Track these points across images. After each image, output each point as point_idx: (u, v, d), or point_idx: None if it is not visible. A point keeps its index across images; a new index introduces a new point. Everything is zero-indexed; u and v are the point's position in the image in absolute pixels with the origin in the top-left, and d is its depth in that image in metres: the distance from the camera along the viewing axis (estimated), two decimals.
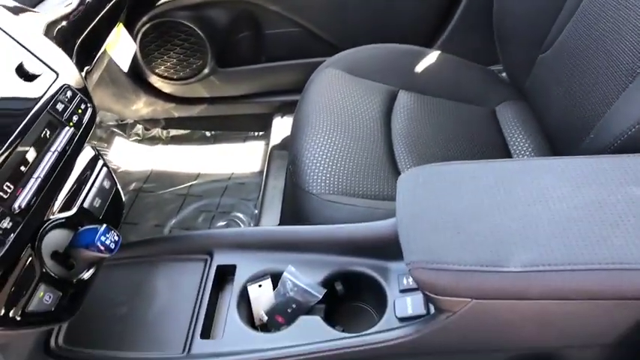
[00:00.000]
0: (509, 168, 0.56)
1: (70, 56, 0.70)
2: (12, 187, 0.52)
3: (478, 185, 0.54)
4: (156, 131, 1.61)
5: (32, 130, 0.56)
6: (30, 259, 0.57)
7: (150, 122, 1.60)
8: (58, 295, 0.59)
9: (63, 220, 0.62)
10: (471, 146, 0.98)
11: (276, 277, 0.75)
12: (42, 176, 0.55)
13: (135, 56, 1.35)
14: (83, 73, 0.72)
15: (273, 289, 0.74)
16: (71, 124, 0.62)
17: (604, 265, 0.45)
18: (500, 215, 0.51)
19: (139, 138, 1.61)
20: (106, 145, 1.58)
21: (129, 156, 1.56)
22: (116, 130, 1.61)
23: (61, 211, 0.63)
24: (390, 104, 1.06)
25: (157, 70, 1.40)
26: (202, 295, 0.74)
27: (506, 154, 0.98)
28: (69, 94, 0.63)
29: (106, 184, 0.70)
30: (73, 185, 0.65)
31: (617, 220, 0.48)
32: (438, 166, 0.59)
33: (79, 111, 0.64)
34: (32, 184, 0.54)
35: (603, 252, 0.46)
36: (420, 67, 1.14)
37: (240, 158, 1.48)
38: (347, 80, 1.08)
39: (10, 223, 0.51)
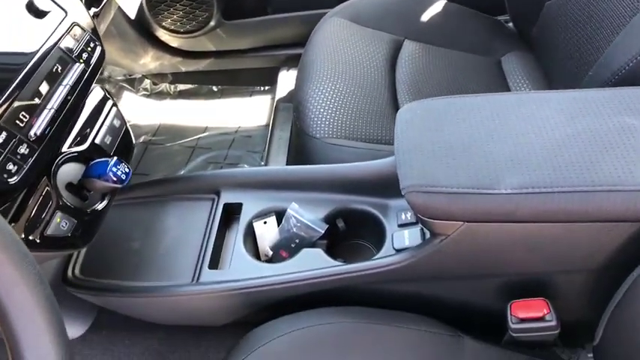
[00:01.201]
0: (505, 100, 0.57)
1: None
2: (27, 116, 0.55)
3: (474, 116, 0.56)
4: (164, 86, 1.62)
5: (44, 64, 0.58)
6: (47, 189, 0.60)
7: (158, 77, 1.61)
8: (74, 223, 0.62)
9: (76, 154, 0.65)
10: (471, 91, 0.98)
11: (280, 215, 0.77)
12: (55, 107, 0.57)
13: (142, 9, 1.35)
14: (92, 14, 0.73)
15: (278, 225, 0.77)
16: (81, 60, 0.64)
17: (591, 187, 0.47)
18: (494, 143, 0.52)
19: (147, 93, 1.62)
20: (115, 98, 1.59)
21: (138, 110, 1.58)
22: (125, 84, 1.62)
23: (74, 145, 0.65)
24: (394, 53, 1.06)
25: (163, 24, 1.40)
26: (210, 231, 0.77)
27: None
28: (78, 31, 0.64)
29: (116, 122, 0.73)
30: (84, 122, 0.68)
31: (607, 146, 0.49)
32: (436, 100, 0.60)
33: (88, 49, 0.65)
34: (46, 115, 0.56)
35: (591, 175, 0.47)
36: (425, 17, 1.13)
37: (246, 112, 1.50)
38: (352, 29, 1.07)
39: (28, 149, 0.54)
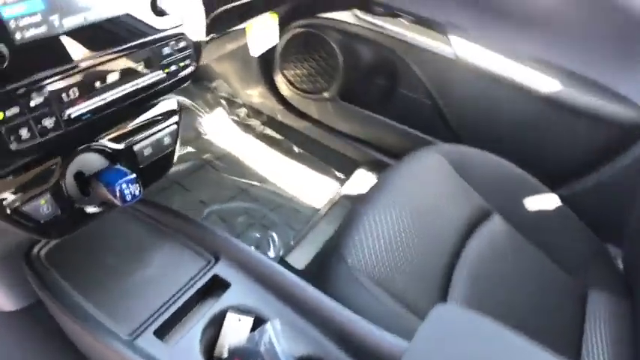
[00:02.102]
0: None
1: (209, 14, 0.70)
2: (76, 94, 0.51)
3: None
4: (255, 122, 1.62)
5: (129, 56, 0.56)
6: (54, 166, 0.55)
7: (254, 111, 1.62)
8: (56, 213, 0.57)
9: (105, 149, 0.60)
10: (537, 317, 0.83)
11: (259, 321, 0.67)
12: (107, 101, 0.54)
13: (274, 49, 1.38)
14: (207, 37, 0.71)
15: (251, 330, 0.67)
16: (166, 70, 0.61)
17: None
18: None
19: (237, 119, 1.64)
20: (208, 109, 1.63)
21: (220, 129, 1.59)
22: (223, 102, 1.65)
23: (111, 140, 0.61)
24: (476, 222, 0.95)
25: (285, 71, 1.42)
26: (184, 292, 0.68)
27: (575, 349, 0.82)
28: (182, 44, 0.62)
29: (167, 140, 0.68)
30: (136, 123, 0.64)
31: None
32: (484, 324, 0.49)
33: (181, 64, 0.63)
34: (94, 103, 0.53)
35: None
36: (530, 203, 1.02)
37: (311, 187, 1.44)
38: (447, 173, 0.99)
39: (53, 125, 0.50)
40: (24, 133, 0.47)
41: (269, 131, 1.61)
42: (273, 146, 1.57)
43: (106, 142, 0.61)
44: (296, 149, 1.57)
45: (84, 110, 0.52)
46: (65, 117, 0.50)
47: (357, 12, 1.19)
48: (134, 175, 0.57)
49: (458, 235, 0.91)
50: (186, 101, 1.59)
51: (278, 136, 1.59)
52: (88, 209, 0.60)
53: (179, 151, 1.46)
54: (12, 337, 0.83)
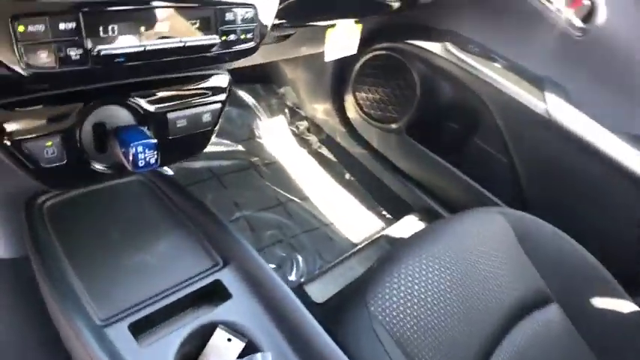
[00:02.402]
0: None
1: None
2: (115, 32, 0.45)
3: None
4: (313, 138, 1.56)
5: (186, 10, 0.50)
6: (74, 111, 0.49)
7: (315, 127, 1.56)
8: (62, 159, 0.50)
9: (136, 107, 0.54)
10: None
11: (250, 349, 0.57)
12: (148, 49, 0.47)
13: (351, 68, 1.32)
14: (277, 21, 0.65)
15: (239, 356, 0.57)
16: (223, 37, 0.54)
17: None
18: None
19: (295, 131, 1.58)
20: (269, 113, 1.58)
21: (276, 136, 1.53)
22: (287, 110, 1.60)
23: (144, 100, 0.55)
24: (531, 305, 0.81)
25: (356, 93, 1.35)
26: (177, 290, 0.60)
27: None
28: (248, 15, 0.55)
29: (206, 117, 0.61)
30: (175, 90, 0.57)
31: None
32: None
33: (241, 37, 0.56)
34: (133, 46, 0.46)
35: None
36: (599, 303, 0.86)
37: (352, 219, 1.34)
38: (508, 242, 0.85)
39: (78, 57, 0.43)
40: (42, 56, 0.41)
41: (324, 150, 1.53)
42: (324, 167, 1.49)
43: (138, 99, 0.54)
44: (347, 176, 1.48)
45: (119, 51, 0.45)
46: (95, 52, 0.44)
47: (449, 45, 1.09)
48: (154, 141, 0.50)
49: (505, 316, 0.76)
50: (250, 99, 1.56)
51: (332, 158, 1.51)
52: (97, 166, 0.54)
53: (227, 147, 1.43)
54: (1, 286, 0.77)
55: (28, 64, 0.41)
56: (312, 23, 0.80)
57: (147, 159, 0.50)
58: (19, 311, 0.72)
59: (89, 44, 0.43)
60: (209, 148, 0.65)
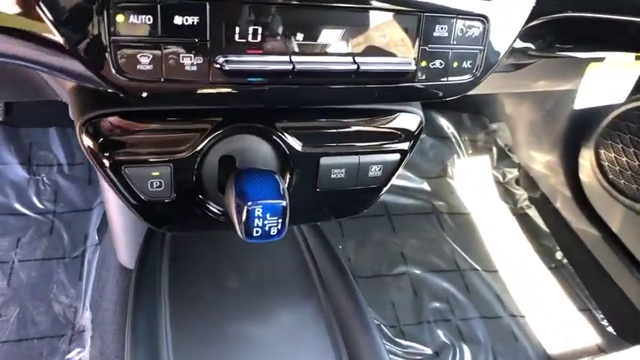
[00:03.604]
0: None
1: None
2: (249, 37, 0.30)
3: None
4: (521, 193, 1.28)
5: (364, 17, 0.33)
6: (196, 136, 0.37)
7: (528, 181, 1.28)
8: (169, 196, 0.39)
9: (279, 143, 0.39)
10: None
11: None
12: (300, 68, 0.32)
13: (599, 118, 1.00)
14: (520, 45, 0.43)
15: None
16: (422, 63, 0.35)
17: None
18: None
19: (500, 179, 1.32)
20: (471, 150, 1.34)
21: (474, 180, 1.30)
22: (495, 151, 1.35)
23: (293, 133, 0.40)
24: None
25: (601, 150, 1.03)
26: None
27: None
28: (471, 32, 0.36)
29: (374, 171, 0.44)
30: (341, 124, 0.41)
31: None
32: None
33: (454, 64, 0.36)
34: (280, 63, 0.31)
35: None
36: None
37: (556, 319, 1.03)
38: None
39: (195, 67, 0.30)
40: (143, 61, 0.29)
41: (534, 213, 1.24)
42: (529, 236, 1.20)
43: (283, 132, 0.39)
44: (559, 256, 1.15)
45: (253, 67, 0.31)
46: (218, 64, 0.30)
47: None
48: (282, 204, 0.35)
49: None
50: (450, 129, 1.34)
51: (543, 227, 1.21)
52: (215, 210, 0.41)
53: (409, 182, 1.24)
54: (123, 291, 0.74)
55: (122, 70, 0.29)
56: (571, 54, 0.55)
57: (266, 227, 0.35)
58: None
59: (213, 51, 0.30)
60: None
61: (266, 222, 0.35)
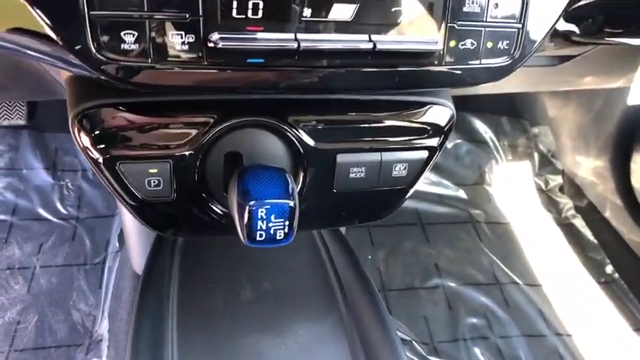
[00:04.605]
0: None
1: None
2: (248, 12, 0.27)
3: None
4: (566, 202, 1.20)
5: None
6: (198, 130, 0.33)
7: (573, 188, 1.21)
8: (168, 196, 0.35)
9: (292, 139, 0.36)
10: None
11: None
12: (310, 46, 0.28)
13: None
14: (566, 26, 0.38)
15: None
16: (452, 42, 0.31)
17: None
18: None
19: (543, 186, 1.25)
20: (511, 156, 1.27)
21: (514, 188, 1.23)
22: (537, 156, 1.27)
23: (307, 128, 0.36)
24: None
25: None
26: None
27: None
28: (505, 9, 0.31)
29: (400, 171, 0.40)
30: (361, 117, 0.37)
31: None
32: None
33: (488, 44, 0.32)
34: (280, 41, 0.28)
35: None
36: None
37: (607, 338, 0.94)
38: None
39: (186, 47, 0.27)
40: (129, 40, 0.26)
41: (580, 223, 1.16)
42: (576, 247, 1.13)
43: (296, 126, 0.36)
44: (609, 269, 1.07)
45: (250, 44, 0.27)
46: (212, 42, 0.27)
47: None
48: (290, 204, 0.31)
49: None
50: (488, 133, 1.27)
51: (591, 238, 1.13)
52: (219, 211, 0.38)
53: (445, 189, 1.18)
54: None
55: (103, 50, 0.26)
56: (622, 40, 0.49)
57: (271, 230, 0.31)
58: None
59: (207, 28, 0.26)
60: (421, 187, 0.43)
61: (271, 224, 0.31)
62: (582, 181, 1.16)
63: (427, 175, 0.49)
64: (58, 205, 1.01)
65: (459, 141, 1.24)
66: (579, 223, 1.16)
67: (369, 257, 1.02)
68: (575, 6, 0.36)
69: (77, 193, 1.05)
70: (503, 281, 1.03)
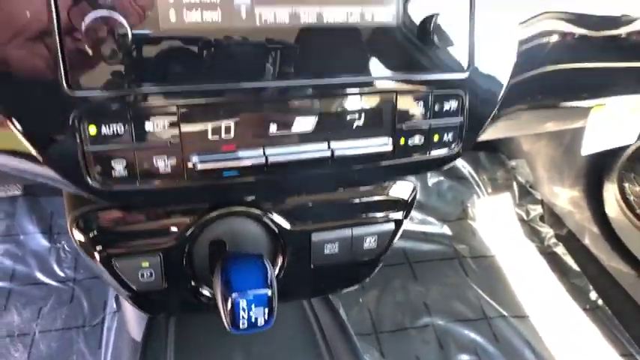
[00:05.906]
0: None
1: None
2: (229, 136, 0.31)
3: None
4: (547, 231, 1.23)
5: (334, 92, 0.33)
6: (182, 225, 0.37)
7: (553, 217, 1.24)
8: (160, 285, 0.39)
9: (267, 222, 0.40)
10: None
11: None
12: (274, 160, 0.32)
13: (620, 150, 0.97)
14: (510, 109, 0.43)
15: None
16: (402, 142, 0.35)
17: None
18: None
19: (524, 217, 1.29)
20: (490, 190, 1.31)
21: (497, 221, 1.26)
22: (516, 188, 1.31)
23: (282, 212, 0.40)
24: None
25: (626, 184, 0.99)
26: None
27: None
28: (449, 104, 0.35)
29: (369, 242, 0.44)
30: (329, 198, 0.41)
31: None
32: None
33: (434, 137, 0.36)
34: (255, 157, 0.32)
35: None
36: None
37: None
38: None
39: (169, 168, 0.31)
40: (118, 167, 0.30)
41: (561, 251, 1.19)
42: (559, 275, 1.15)
43: (272, 212, 0.40)
44: (593, 296, 1.10)
45: (224, 164, 0.31)
46: (192, 163, 0.31)
47: None
48: (266, 293, 0.35)
49: None
50: (467, 169, 1.32)
51: (573, 266, 1.16)
52: (208, 294, 0.41)
53: (429, 227, 1.22)
54: None
55: (97, 179, 0.30)
56: (565, 104, 0.54)
57: (252, 318, 0.35)
58: None
59: (187, 152, 0.31)
60: (407, 226, 0.47)
61: (252, 313, 0.35)
62: (561, 211, 1.20)
63: (412, 213, 0.52)
64: (56, 268, 1.04)
65: (441, 178, 1.29)
66: (561, 250, 1.19)
67: (360, 300, 1.05)
68: (511, 87, 0.40)
69: (74, 254, 1.07)
70: (491, 315, 1.05)
